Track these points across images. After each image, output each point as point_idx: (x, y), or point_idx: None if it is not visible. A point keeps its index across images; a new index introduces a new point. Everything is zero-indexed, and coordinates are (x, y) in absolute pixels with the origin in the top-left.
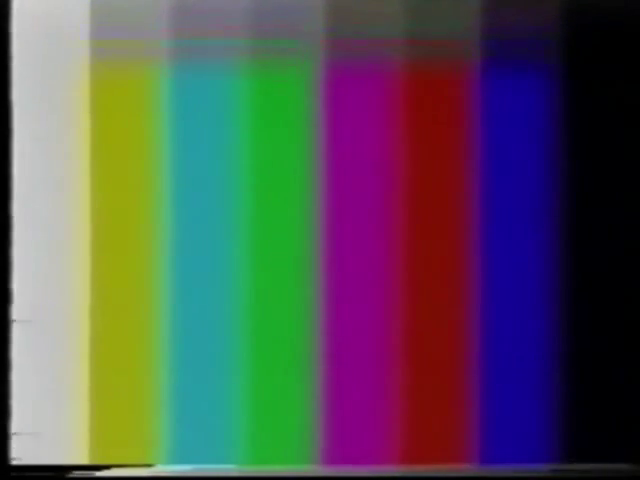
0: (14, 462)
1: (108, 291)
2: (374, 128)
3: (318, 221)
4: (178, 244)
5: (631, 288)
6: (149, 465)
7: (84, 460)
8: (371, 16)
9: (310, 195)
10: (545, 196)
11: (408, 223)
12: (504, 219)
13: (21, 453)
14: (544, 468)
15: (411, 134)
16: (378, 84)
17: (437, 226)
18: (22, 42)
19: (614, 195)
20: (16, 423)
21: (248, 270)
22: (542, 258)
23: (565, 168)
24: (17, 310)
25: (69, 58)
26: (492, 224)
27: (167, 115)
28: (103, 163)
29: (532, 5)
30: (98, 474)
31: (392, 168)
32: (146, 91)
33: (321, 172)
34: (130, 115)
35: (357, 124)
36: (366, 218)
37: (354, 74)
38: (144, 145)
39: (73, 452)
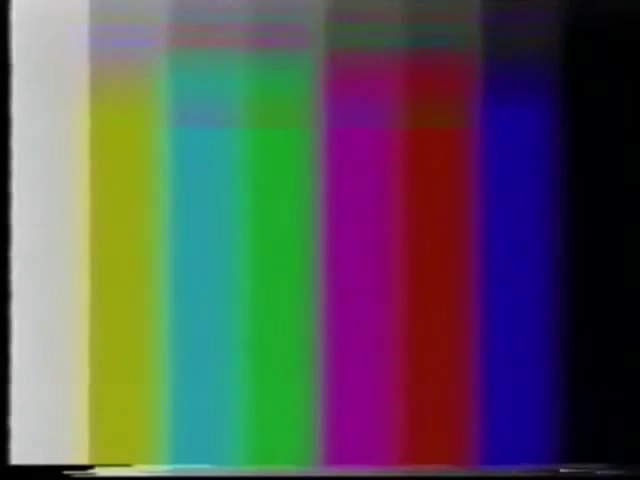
0: (14, 462)
1: (108, 291)
2: (374, 128)
3: (317, 211)
4: (178, 244)
5: (631, 289)
6: (149, 465)
7: (84, 460)
8: (370, 16)
9: (311, 185)
10: (546, 209)
11: (407, 219)
12: (504, 228)
13: (21, 453)
14: (544, 469)
15: (410, 140)
16: (377, 83)
17: (437, 226)
18: (21, 43)
19: (615, 209)
20: (16, 423)
21: (248, 270)
22: (542, 260)
23: (566, 190)
24: (17, 310)
25: (68, 63)
26: (492, 235)
27: (167, 111)
28: (103, 163)
29: (533, 28)
30: (98, 474)
31: (391, 167)
32: (145, 91)
33: (321, 169)
34: (128, 109)
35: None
36: (366, 210)
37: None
38: (143, 144)
39: (73, 452)
